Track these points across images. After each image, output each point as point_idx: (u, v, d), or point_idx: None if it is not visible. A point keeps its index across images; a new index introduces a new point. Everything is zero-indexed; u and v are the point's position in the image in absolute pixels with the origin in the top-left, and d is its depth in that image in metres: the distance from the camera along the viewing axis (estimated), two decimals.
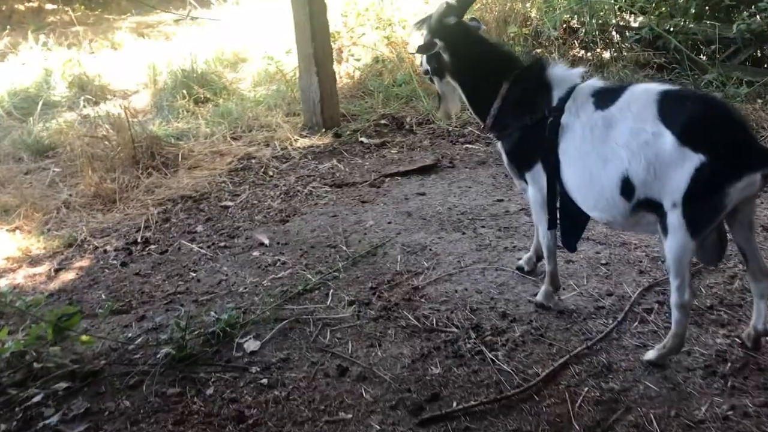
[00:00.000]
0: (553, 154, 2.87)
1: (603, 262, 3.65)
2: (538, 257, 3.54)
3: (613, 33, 8.07)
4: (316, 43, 5.88)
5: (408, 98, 6.91)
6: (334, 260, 3.86)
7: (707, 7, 6.69)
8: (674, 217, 2.52)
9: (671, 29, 6.95)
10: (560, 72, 2.94)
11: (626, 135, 2.61)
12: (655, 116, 2.56)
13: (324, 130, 6.10)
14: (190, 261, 4.04)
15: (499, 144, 3.21)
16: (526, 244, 3.87)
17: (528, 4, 7.81)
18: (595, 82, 2.88)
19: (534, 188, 3.04)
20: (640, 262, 3.63)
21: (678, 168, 2.47)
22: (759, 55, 6.75)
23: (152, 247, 4.26)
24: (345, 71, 7.47)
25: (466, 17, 3.32)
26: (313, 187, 5.02)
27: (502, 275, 3.58)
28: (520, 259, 3.65)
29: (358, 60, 7.32)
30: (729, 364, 2.75)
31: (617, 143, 2.64)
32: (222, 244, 4.22)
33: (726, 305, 3.20)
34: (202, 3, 10.83)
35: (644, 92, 2.68)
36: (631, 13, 7.77)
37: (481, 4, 8.05)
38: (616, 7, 7.62)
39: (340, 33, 7.56)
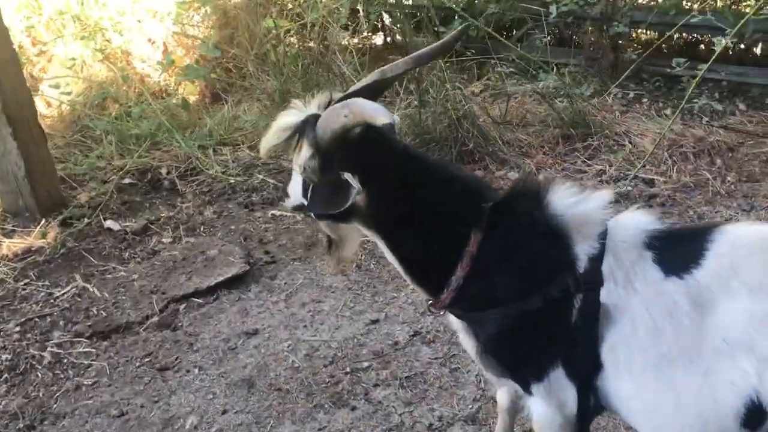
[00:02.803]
0: (589, 353, 1.67)
1: None
2: None
3: (383, 13, 7.11)
4: (4, 91, 3.86)
5: (153, 137, 5.15)
6: None
7: None
8: None
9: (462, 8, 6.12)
10: (572, 204, 1.71)
11: (743, 325, 1.55)
12: None
13: (42, 218, 4.14)
14: None
15: (455, 321, 1.91)
16: (453, 407, 2.66)
17: None
18: (643, 219, 1.72)
19: (549, 407, 1.80)
20: None
21: None
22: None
23: None
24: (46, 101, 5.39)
25: None
26: (59, 344, 3.19)
27: None
28: None
29: (67, 93, 5.26)
30: None
31: (727, 341, 1.54)
32: None
33: None
34: None
35: (757, 241, 1.60)
36: None
37: None
38: None
39: (24, 51, 5.41)
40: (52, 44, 5.58)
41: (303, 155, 1.68)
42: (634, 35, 5.98)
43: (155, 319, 3.31)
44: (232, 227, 4.16)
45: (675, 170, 4.38)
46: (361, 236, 1.94)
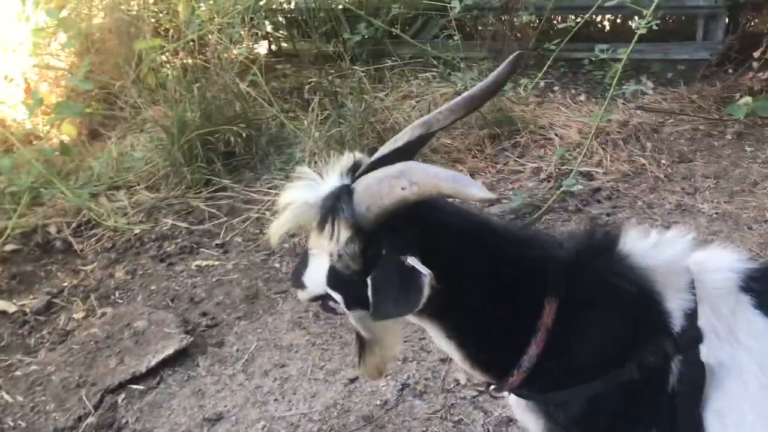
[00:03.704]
0: (691, 419, 1.46)
1: None
2: None
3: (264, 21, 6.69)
4: None
5: (34, 193, 4.50)
6: None
7: None
8: None
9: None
10: (652, 252, 1.49)
11: None
12: None
13: None
14: None
15: (514, 399, 1.64)
16: None
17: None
18: (731, 259, 1.52)
19: None
20: None
21: None
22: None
23: None
24: None
25: None
26: None
27: None
28: None
29: None
30: None
31: None
32: None
33: None
34: None
35: None
36: None
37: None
38: None
39: None
40: None
41: (341, 239, 1.34)
42: (535, 22, 5.93)
43: (91, 419, 2.80)
44: (153, 288, 3.66)
45: (609, 159, 4.33)
46: (401, 332, 1.62)
